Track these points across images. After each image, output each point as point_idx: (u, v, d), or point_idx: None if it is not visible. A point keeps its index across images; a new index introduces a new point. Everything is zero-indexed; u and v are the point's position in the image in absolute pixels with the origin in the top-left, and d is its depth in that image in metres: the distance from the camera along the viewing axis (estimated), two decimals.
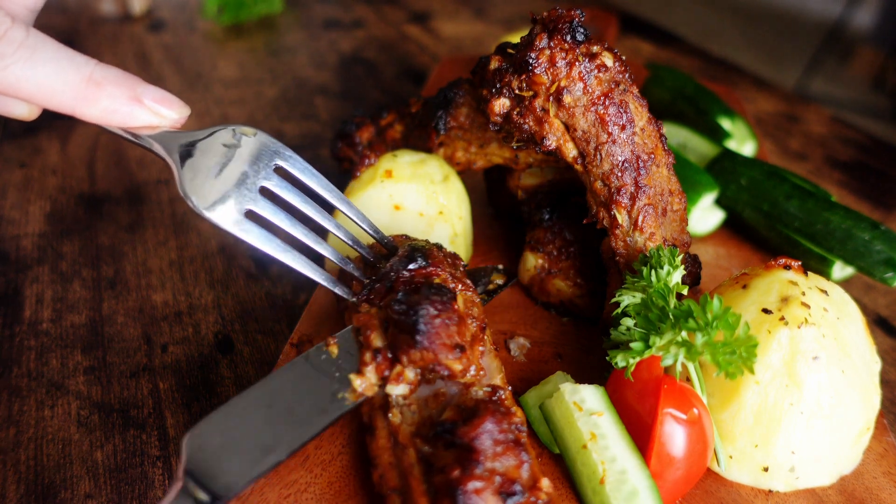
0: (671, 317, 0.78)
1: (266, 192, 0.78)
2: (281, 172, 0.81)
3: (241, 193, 0.75)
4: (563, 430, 0.81)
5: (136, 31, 2.25)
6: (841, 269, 1.22)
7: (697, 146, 1.43)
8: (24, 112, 0.74)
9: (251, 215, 0.76)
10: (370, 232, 0.90)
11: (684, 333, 0.77)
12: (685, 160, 1.33)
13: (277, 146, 0.81)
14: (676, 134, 1.46)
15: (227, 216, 0.73)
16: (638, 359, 0.79)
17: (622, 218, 0.93)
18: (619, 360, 0.80)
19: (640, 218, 0.93)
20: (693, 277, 1.02)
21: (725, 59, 2.38)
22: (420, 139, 1.18)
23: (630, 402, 0.82)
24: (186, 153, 0.74)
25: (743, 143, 1.52)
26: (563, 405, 0.81)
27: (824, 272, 1.21)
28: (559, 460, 0.85)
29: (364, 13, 2.59)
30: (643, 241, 0.94)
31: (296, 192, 0.82)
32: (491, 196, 1.34)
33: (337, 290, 0.84)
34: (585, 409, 0.80)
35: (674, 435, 0.76)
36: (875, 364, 0.87)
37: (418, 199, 1.09)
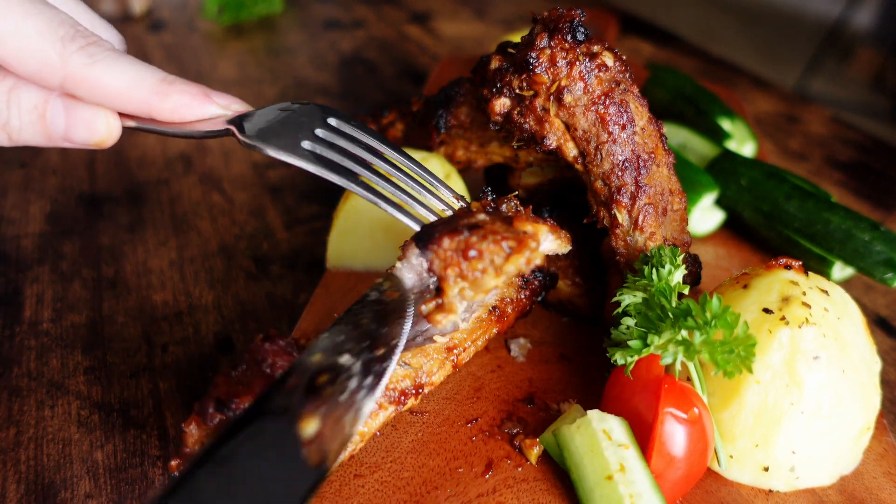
0: (670, 315, 0.78)
1: (324, 142, 0.80)
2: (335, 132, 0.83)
3: (299, 133, 0.78)
4: (583, 458, 0.78)
5: (137, 31, 2.25)
6: (841, 270, 1.22)
7: (697, 146, 1.43)
8: (104, 131, 0.77)
9: (314, 155, 0.78)
10: (435, 183, 0.87)
11: (684, 332, 0.77)
12: (685, 160, 1.33)
13: (332, 109, 0.84)
14: (676, 134, 1.46)
15: (286, 148, 0.75)
16: (637, 357, 0.79)
17: (622, 217, 0.93)
18: (619, 358, 0.80)
19: (641, 217, 0.93)
20: (693, 277, 1.02)
21: (725, 59, 2.38)
22: (421, 137, 1.18)
23: (630, 401, 0.82)
24: (244, 119, 0.79)
25: (743, 144, 1.52)
26: (589, 433, 0.79)
27: (824, 272, 1.21)
28: (558, 491, 0.83)
29: (364, 13, 2.59)
30: (643, 241, 0.94)
31: (355, 141, 0.82)
32: None
33: (405, 219, 0.80)
34: (614, 440, 0.78)
35: (674, 434, 0.76)
36: (875, 364, 0.87)
37: None
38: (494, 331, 0.91)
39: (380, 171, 0.82)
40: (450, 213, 0.84)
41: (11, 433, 0.91)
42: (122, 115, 0.78)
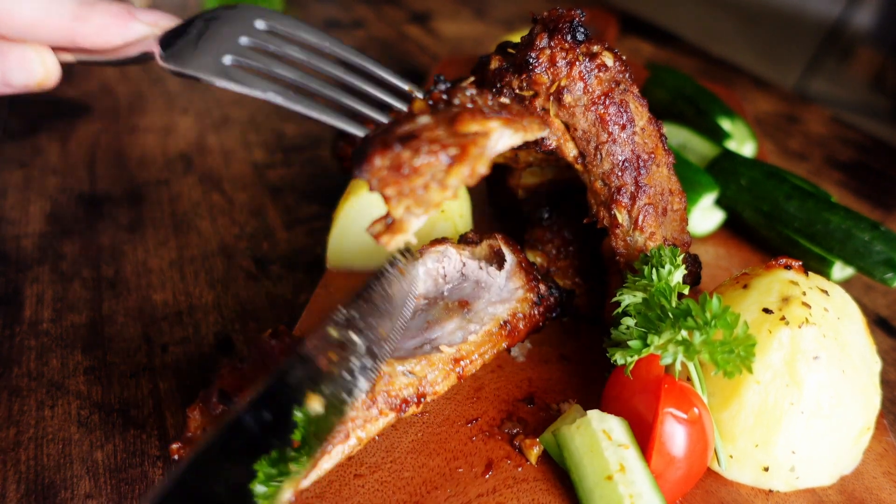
0: (670, 316, 0.78)
1: (254, 54, 0.73)
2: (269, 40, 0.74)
3: (221, 46, 0.70)
4: (582, 458, 0.78)
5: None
6: (841, 270, 1.22)
7: (697, 147, 1.43)
8: (40, 70, 0.74)
9: (237, 70, 0.70)
10: (384, 75, 0.76)
11: (684, 332, 0.77)
12: (685, 160, 1.33)
13: (262, 10, 0.74)
14: (676, 134, 1.46)
15: (206, 67, 0.69)
16: (637, 357, 0.79)
17: (622, 217, 0.93)
18: (619, 358, 0.80)
19: (641, 217, 0.93)
20: (693, 277, 1.02)
21: (725, 59, 2.38)
22: None
23: (630, 401, 0.82)
24: (167, 35, 0.72)
25: (743, 144, 1.52)
26: (589, 433, 0.79)
27: (824, 272, 1.21)
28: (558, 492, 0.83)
29: (364, 13, 2.59)
30: (643, 241, 0.94)
31: (287, 43, 0.73)
32: (491, 195, 1.34)
33: (348, 127, 0.72)
34: (614, 440, 0.78)
35: (674, 434, 0.76)
36: (875, 364, 0.87)
37: None
38: (504, 345, 0.91)
39: (319, 73, 0.73)
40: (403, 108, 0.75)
41: (11, 433, 0.91)
42: (56, 50, 0.74)
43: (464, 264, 0.95)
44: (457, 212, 1.12)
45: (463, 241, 0.97)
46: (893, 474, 0.87)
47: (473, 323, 0.88)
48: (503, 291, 0.93)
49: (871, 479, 0.86)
